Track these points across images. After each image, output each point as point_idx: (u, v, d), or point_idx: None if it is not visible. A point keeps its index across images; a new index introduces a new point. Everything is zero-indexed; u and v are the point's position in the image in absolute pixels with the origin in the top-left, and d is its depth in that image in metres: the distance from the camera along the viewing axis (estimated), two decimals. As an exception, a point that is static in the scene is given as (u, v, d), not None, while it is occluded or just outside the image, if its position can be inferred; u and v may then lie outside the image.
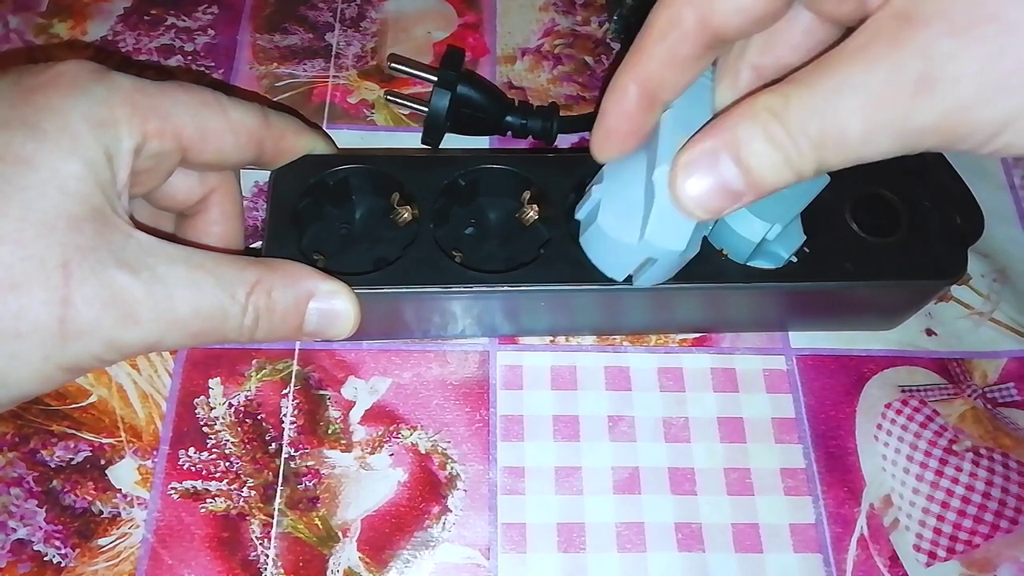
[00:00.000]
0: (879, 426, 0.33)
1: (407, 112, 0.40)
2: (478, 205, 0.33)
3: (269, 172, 0.31)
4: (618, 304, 0.32)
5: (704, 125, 0.25)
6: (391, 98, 0.39)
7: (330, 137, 0.33)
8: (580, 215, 0.29)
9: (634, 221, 0.26)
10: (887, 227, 0.31)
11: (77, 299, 0.22)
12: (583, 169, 0.30)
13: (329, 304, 0.27)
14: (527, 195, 0.32)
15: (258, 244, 0.35)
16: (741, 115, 0.21)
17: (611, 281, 0.29)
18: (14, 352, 0.21)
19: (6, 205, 0.21)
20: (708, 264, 0.30)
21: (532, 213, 0.32)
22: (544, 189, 0.31)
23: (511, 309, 0.32)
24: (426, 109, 0.36)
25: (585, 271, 0.29)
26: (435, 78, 0.36)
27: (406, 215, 0.31)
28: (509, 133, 0.38)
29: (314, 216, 0.31)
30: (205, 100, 0.26)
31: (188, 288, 0.23)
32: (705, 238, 0.30)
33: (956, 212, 0.32)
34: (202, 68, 0.41)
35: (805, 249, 0.30)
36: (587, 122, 0.40)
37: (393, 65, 0.38)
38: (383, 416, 0.33)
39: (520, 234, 0.33)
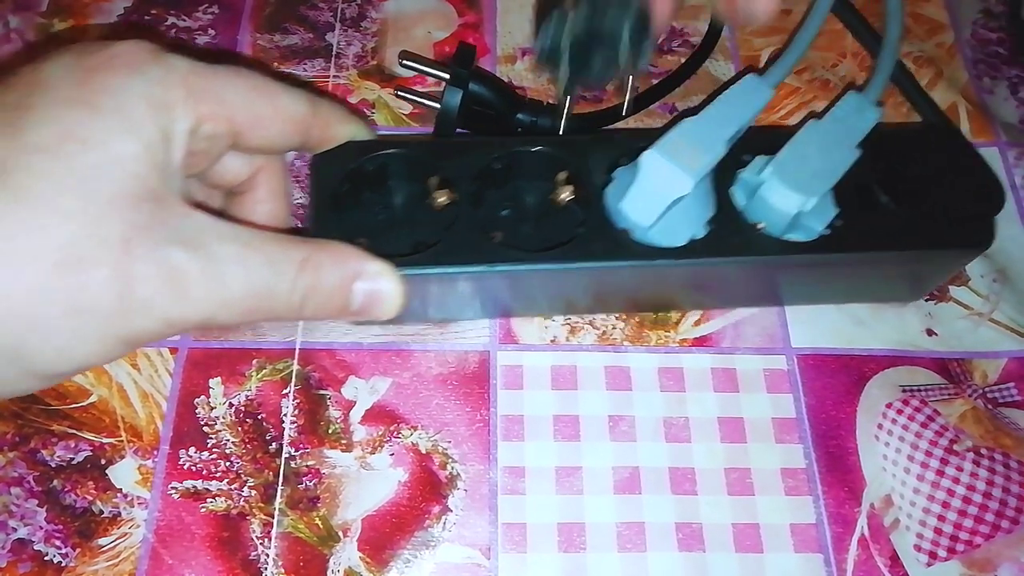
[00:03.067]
0: (880, 426, 0.33)
1: (416, 108, 0.40)
2: (513, 187, 0.34)
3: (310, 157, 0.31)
4: (658, 280, 0.33)
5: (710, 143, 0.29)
6: (402, 94, 0.39)
7: (370, 125, 0.33)
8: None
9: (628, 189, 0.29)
10: (915, 199, 0.32)
11: (136, 276, 0.22)
12: (616, 150, 0.31)
13: (376, 284, 0.27)
14: (561, 176, 0.32)
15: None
16: None
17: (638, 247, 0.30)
18: (76, 327, 0.22)
19: (72, 183, 0.21)
20: (746, 238, 0.31)
21: (567, 194, 0.32)
22: (578, 170, 0.32)
23: (548, 287, 0.33)
24: (437, 105, 0.36)
25: (622, 248, 0.30)
26: (447, 75, 0.36)
27: (443, 199, 0.31)
28: (519, 130, 0.38)
29: (354, 201, 0.32)
30: (257, 86, 0.27)
31: (239, 266, 0.24)
32: (740, 214, 0.31)
33: (978, 184, 0.32)
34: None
35: (838, 221, 0.31)
36: (597, 120, 0.40)
37: (404, 62, 0.38)
38: (383, 416, 0.33)
39: (556, 214, 0.33)
